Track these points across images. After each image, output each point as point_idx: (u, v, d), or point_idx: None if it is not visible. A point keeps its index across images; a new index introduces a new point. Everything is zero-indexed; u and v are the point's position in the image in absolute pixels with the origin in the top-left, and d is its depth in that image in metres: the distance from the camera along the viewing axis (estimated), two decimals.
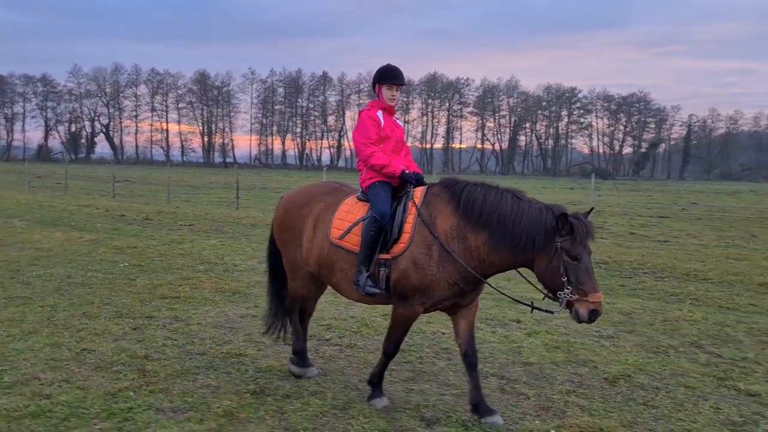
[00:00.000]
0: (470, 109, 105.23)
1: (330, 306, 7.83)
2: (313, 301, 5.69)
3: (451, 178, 4.87)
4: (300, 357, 5.46)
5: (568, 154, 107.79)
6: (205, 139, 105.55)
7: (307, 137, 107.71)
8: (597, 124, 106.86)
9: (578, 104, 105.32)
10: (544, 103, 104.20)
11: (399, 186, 4.94)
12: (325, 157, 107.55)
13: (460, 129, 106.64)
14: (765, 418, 4.88)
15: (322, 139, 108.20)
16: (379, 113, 5.08)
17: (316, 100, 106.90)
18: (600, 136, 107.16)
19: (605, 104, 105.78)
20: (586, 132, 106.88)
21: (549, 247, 4.29)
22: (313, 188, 5.45)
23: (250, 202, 25.73)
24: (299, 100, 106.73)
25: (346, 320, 7.33)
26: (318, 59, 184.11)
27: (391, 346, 4.85)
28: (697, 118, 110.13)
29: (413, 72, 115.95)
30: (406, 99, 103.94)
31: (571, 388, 5.38)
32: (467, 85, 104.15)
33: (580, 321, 4.25)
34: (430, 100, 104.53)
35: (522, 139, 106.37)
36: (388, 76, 5.10)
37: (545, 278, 4.36)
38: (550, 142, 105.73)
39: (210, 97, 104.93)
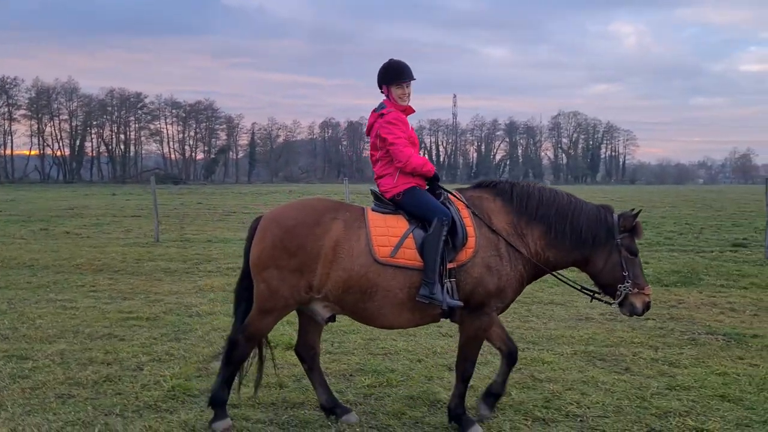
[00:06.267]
0: (23, 111, 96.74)
1: None
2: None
3: (485, 179, 5.04)
4: (222, 409, 4.68)
5: (140, 160, 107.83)
6: None
7: None
8: (168, 130, 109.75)
9: (146, 110, 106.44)
10: (109, 108, 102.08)
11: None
12: None
13: (12, 134, 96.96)
14: None
15: None
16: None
17: None
18: (171, 142, 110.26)
19: (174, 111, 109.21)
20: (157, 138, 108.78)
21: (609, 243, 4.64)
22: (314, 203, 4.73)
23: None
24: None
25: None
26: None
27: (470, 367, 4.70)
28: (259, 126, 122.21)
29: None
30: None
31: None
32: (16, 85, 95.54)
33: (632, 314, 4.67)
34: None
35: (88, 146, 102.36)
36: (394, 75, 4.81)
37: (604, 273, 4.67)
38: (121, 148, 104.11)
39: None
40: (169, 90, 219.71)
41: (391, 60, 4.88)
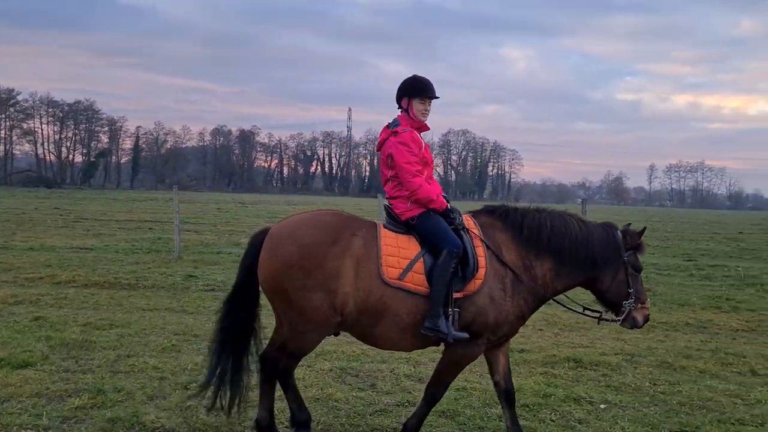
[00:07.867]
0: None
1: None
2: None
3: (494, 204, 4.94)
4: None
5: (10, 160, 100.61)
6: None
7: None
8: (43, 130, 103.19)
9: (18, 107, 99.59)
10: None
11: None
12: None
13: None
14: None
15: None
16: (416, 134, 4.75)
17: None
18: (47, 143, 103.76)
19: (51, 110, 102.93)
20: (31, 138, 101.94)
21: (617, 262, 4.66)
22: (329, 219, 4.53)
23: None
24: None
25: None
26: None
27: (441, 391, 4.70)
28: (145, 130, 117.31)
29: None
30: None
31: None
32: None
33: (633, 327, 4.74)
34: None
35: None
36: (420, 89, 4.73)
37: (611, 291, 4.71)
38: None
39: None
40: (47, 88, 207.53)
41: (415, 75, 4.83)
